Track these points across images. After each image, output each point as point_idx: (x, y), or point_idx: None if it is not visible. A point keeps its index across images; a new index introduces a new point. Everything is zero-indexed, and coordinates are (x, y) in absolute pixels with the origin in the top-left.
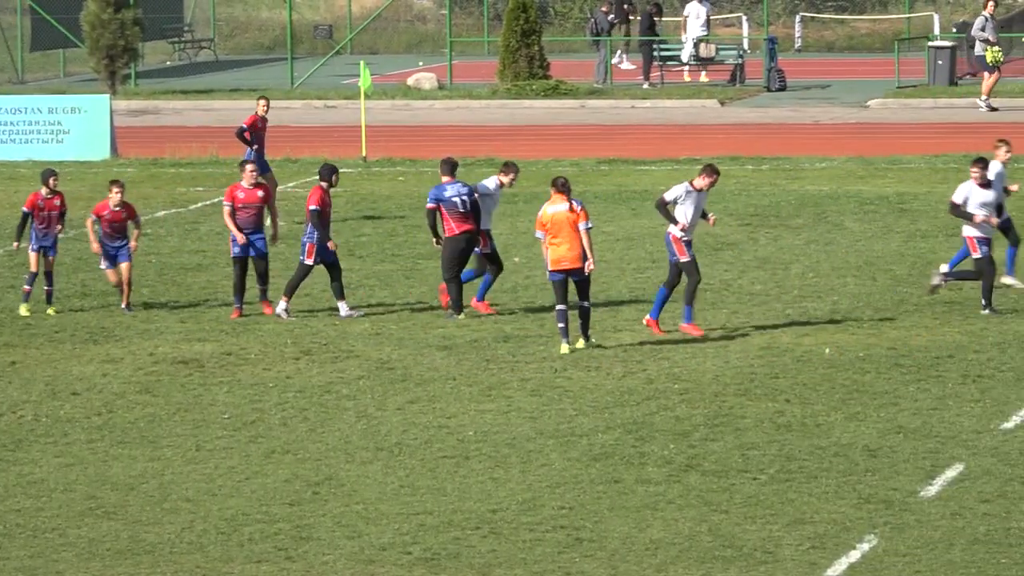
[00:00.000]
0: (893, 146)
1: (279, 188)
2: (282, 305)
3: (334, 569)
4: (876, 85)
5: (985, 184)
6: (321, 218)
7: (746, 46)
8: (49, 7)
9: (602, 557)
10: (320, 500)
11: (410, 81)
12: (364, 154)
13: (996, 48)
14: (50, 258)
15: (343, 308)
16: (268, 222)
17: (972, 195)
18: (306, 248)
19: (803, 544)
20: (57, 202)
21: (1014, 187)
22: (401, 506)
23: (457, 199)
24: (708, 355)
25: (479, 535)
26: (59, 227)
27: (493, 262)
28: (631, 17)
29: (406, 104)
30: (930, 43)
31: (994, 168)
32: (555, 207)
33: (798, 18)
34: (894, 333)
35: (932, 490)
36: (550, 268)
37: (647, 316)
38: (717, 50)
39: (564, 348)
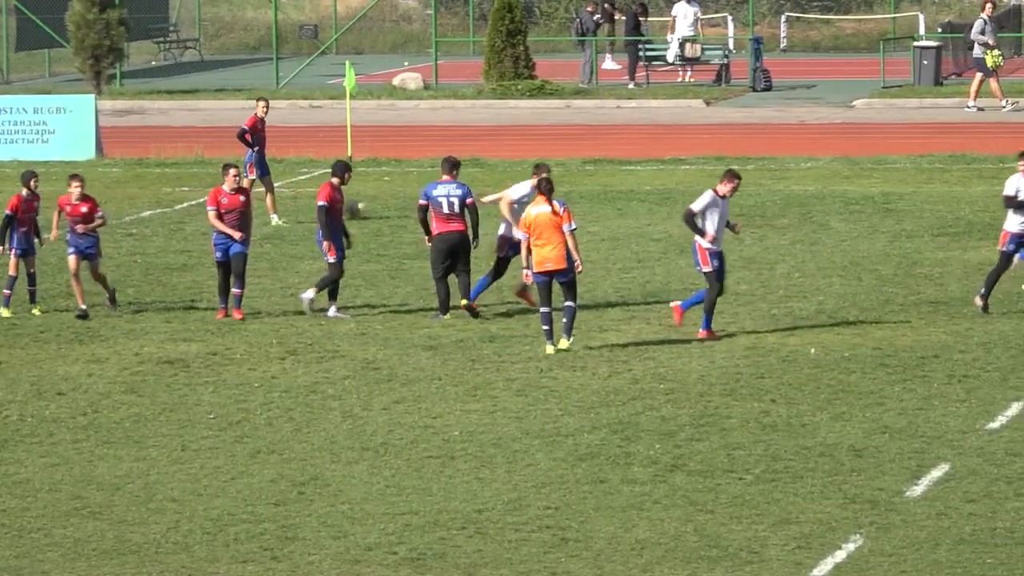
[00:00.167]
0: (878, 146)
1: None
2: (332, 310)
3: (320, 569)
4: (861, 85)
5: None
6: (329, 215)
7: (731, 46)
8: (34, 7)
9: (588, 557)
10: (306, 500)
11: (395, 81)
12: (350, 154)
13: (996, 52)
14: (30, 258)
15: (331, 308)
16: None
17: (1022, 187)
18: (324, 248)
19: (789, 544)
20: (36, 204)
21: None
22: (387, 506)
23: (444, 199)
24: (694, 355)
25: (465, 535)
26: (36, 239)
27: (499, 268)
28: (615, 16)
29: (391, 104)
30: (915, 43)
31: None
32: (538, 208)
33: (783, 18)
34: (880, 333)
35: (918, 490)
36: (535, 270)
37: (675, 302)
38: (703, 50)
39: (549, 349)
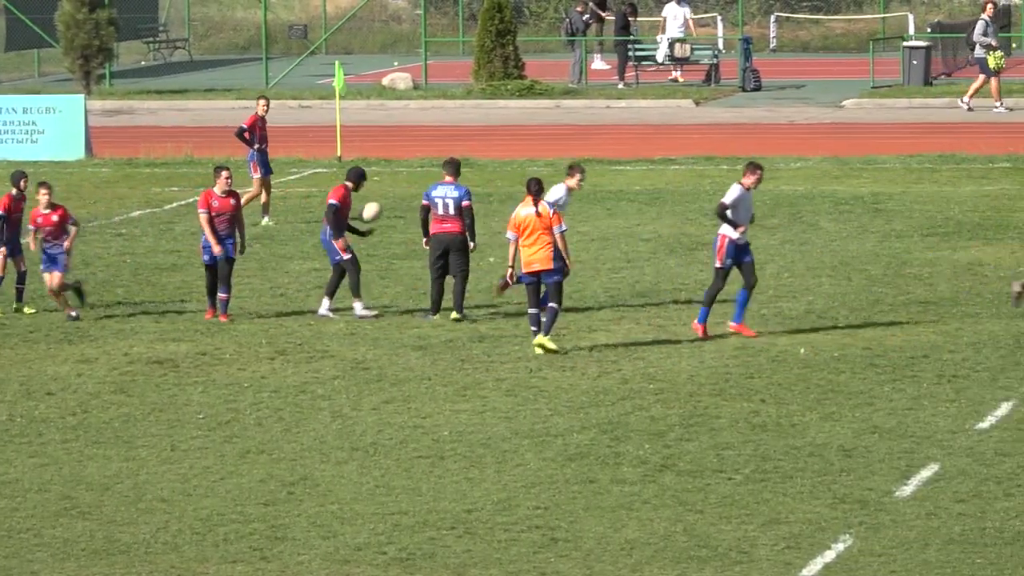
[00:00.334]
0: (868, 146)
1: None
2: (359, 308)
3: (309, 569)
4: (851, 85)
5: None
6: (336, 216)
7: (721, 46)
8: (23, 7)
9: (577, 557)
10: (295, 500)
11: (385, 81)
12: (339, 154)
13: (999, 53)
14: (18, 257)
15: (323, 305)
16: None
17: None
18: (337, 247)
19: (778, 544)
20: (23, 204)
21: None
22: (376, 506)
23: (439, 200)
24: (683, 355)
25: (454, 535)
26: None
27: None
28: (603, 16)
29: (381, 104)
30: (905, 43)
31: None
32: (527, 209)
33: (773, 18)
34: (869, 333)
35: (907, 490)
36: (522, 270)
37: (730, 323)
38: (692, 50)
39: (538, 350)
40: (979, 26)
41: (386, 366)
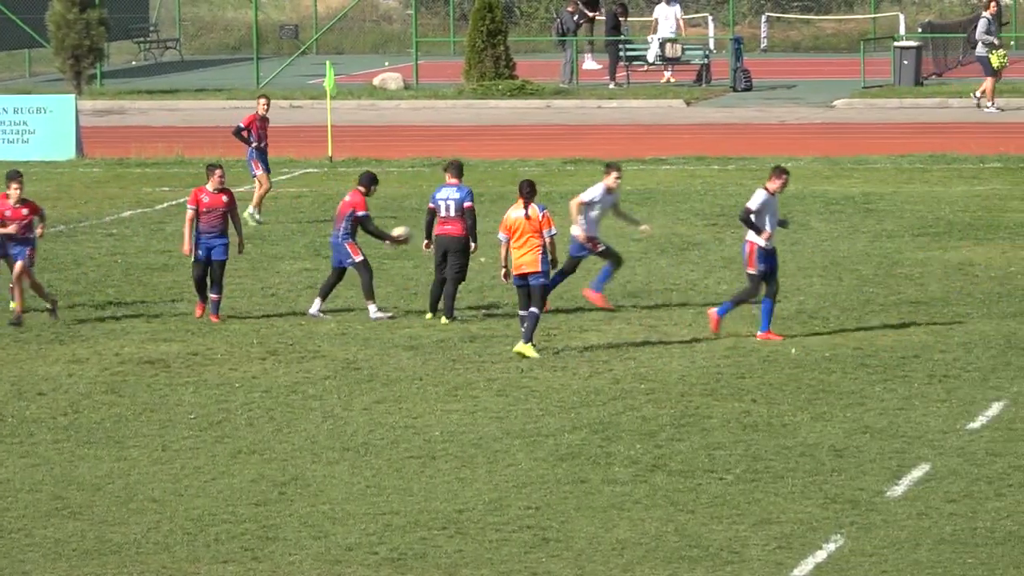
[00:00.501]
0: (859, 146)
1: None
2: (372, 310)
3: (300, 569)
4: (842, 85)
5: None
6: (358, 223)
7: (712, 46)
8: (14, 7)
9: (568, 557)
10: (286, 500)
11: (376, 81)
12: (330, 154)
13: (1002, 52)
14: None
15: (315, 305)
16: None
17: None
18: (349, 249)
19: (769, 544)
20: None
21: None
22: (367, 506)
23: (442, 202)
24: (674, 355)
25: (446, 535)
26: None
27: (609, 256)
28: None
29: (372, 104)
30: (896, 43)
31: None
32: (517, 211)
33: (764, 18)
34: (860, 333)
35: (898, 490)
36: (513, 273)
37: (758, 332)
38: (683, 50)
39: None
40: (981, 24)
41: (377, 366)
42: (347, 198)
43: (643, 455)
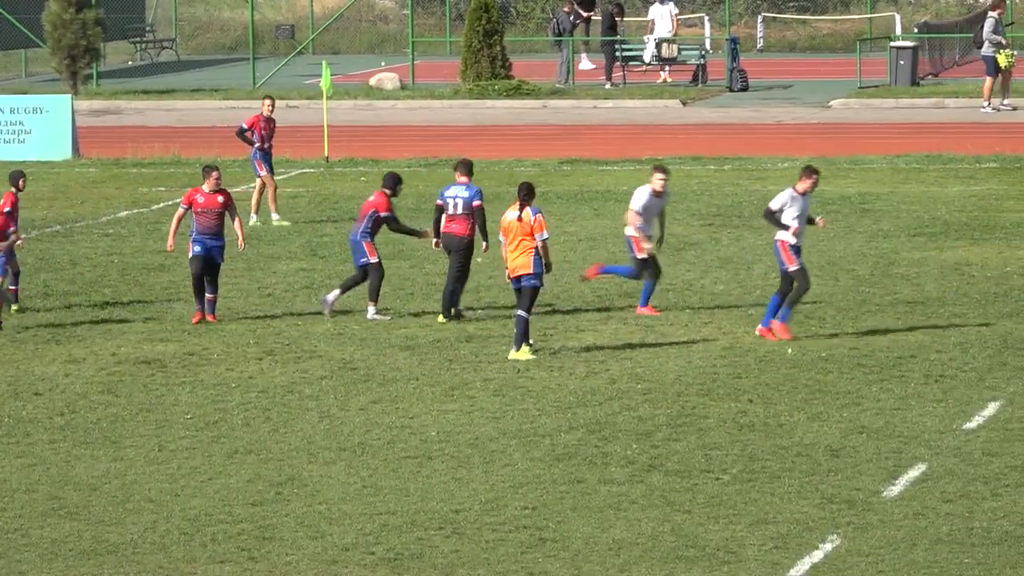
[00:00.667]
0: (855, 146)
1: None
2: (371, 311)
3: (297, 569)
4: (838, 85)
5: None
6: (377, 223)
7: (708, 46)
8: (10, 7)
9: (565, 557)
10: (283, 500)
11: (372, 81)
12: (326, 154)
13: (1010, 52)
14: (12, 258)
15: (370, 311)
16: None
17: None
18: (365, 248)
19: (766, 544)
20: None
21: None
22: (364, 506)
23: (450, 200)
24: (671, 355)
25: (442, 535)
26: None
27: (647, 267)
28: (587, 15)
29: (368, 104)
30: (892, 43)
31: None
32: (512, 213)
33: (760, 18)
34: (856, 333)
35: (895, 490)
36: (508, 275)
37: (759, 326)
38: (679, 50)
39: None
40: (988, 24)
41: (374, 366)
42: (371, 198)
43: (639, 455)
